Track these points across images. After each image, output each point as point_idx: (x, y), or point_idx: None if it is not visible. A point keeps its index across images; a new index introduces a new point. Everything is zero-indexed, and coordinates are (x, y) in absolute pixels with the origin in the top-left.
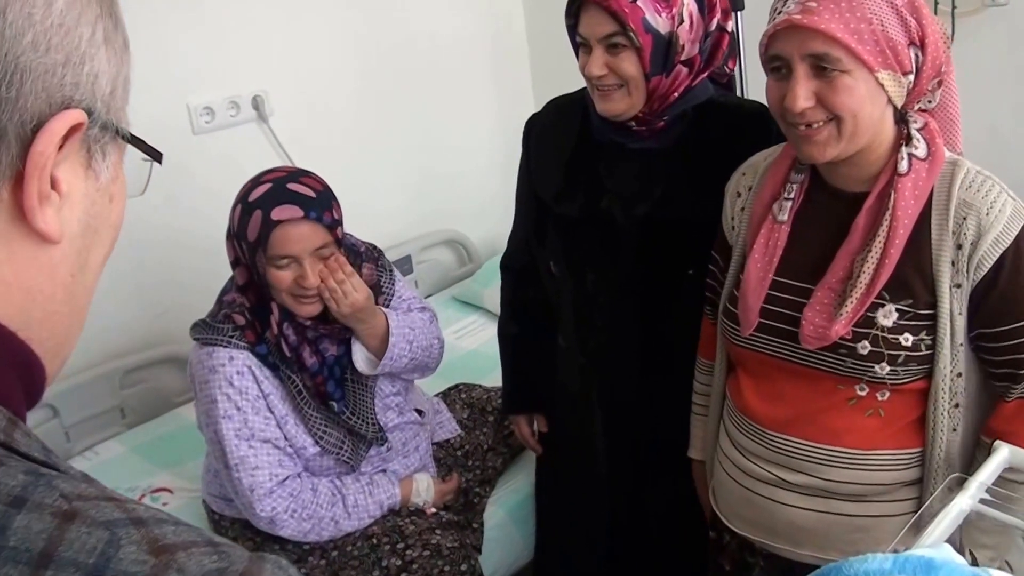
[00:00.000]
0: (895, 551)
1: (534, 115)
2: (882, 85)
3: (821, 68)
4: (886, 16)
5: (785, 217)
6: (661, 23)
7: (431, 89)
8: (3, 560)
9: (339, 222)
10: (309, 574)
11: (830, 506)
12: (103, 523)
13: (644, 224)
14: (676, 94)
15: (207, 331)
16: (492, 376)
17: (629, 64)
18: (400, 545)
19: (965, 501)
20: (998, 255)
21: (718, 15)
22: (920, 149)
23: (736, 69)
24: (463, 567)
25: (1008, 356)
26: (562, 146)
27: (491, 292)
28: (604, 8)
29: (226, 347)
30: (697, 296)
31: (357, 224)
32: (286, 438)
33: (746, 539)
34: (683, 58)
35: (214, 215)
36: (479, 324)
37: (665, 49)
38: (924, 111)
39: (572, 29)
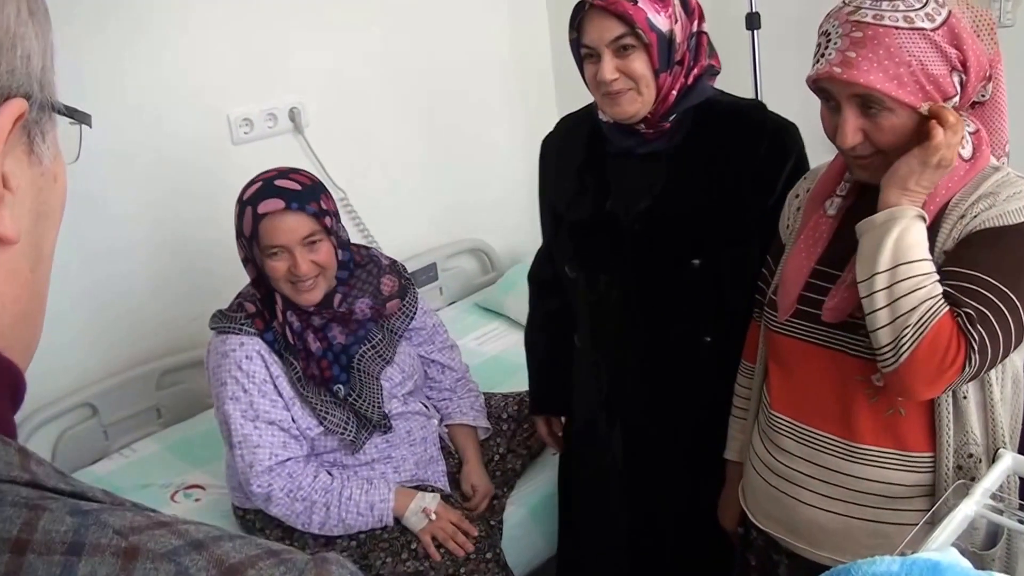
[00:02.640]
0: (903, 554)
1: (547, 135)
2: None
3: (867, 107)
4: (924, 54)
5: (834, 212)
6: (661, 21)
7: (459, 103)
8: None
9: (328, 212)
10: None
11: (850, 509)
12: (165, 555)
13: (644, 219)
14: (674, 92)
15: (223, 320)
16: (513, 381)
17: (640, 63)
18: None
19: (970, 507)
20: (991, 226)
21: (697, 18)
22: (966, 150)
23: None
24: (488, 555)
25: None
26: (573, 159)
27: (513, 299)
28: (611, 12)
29: (238, 334)
30: (703, 291)
31: (384, 232)
32: (293, 419)
33: (770, 536)
34: (677, 57)
35: None
36: (501, 330)
37: (668, 46)
38: (978, 103)
39: (575, 43)
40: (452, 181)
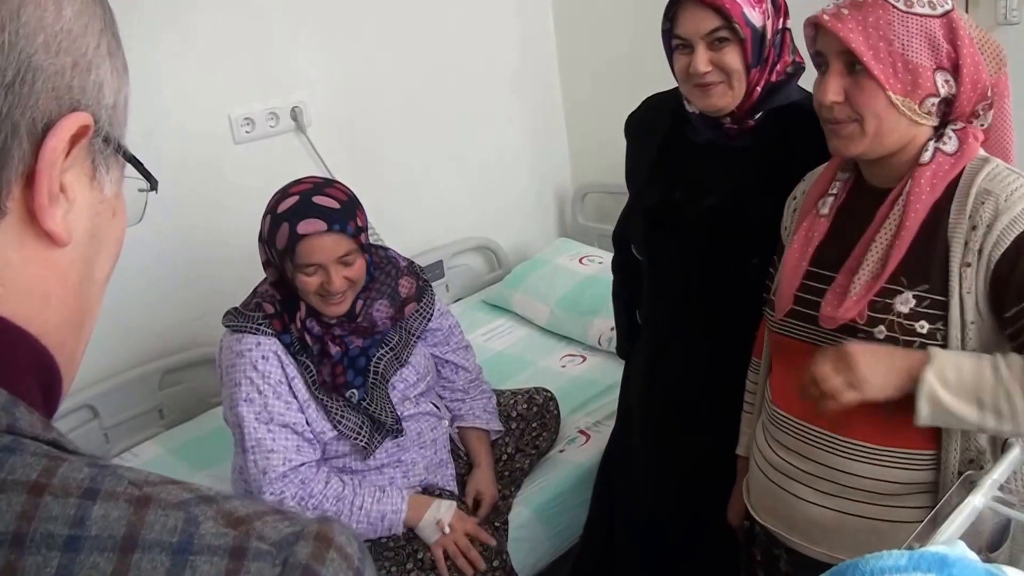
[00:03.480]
0: (910, 548)
1: (631, 113)
2: (895, 105)
3: (853, 66)
4: (911, 39)
5: (826, 211)
6: (756, 17)
7: (464, 102)
8: (88, 550)
9: (363, 229)
10: None
11: (845, 505)
12: (176, 504)
13: (710, 215)
14: (759, 88)
15: (238, 319)
16: (520, 377)
17: (733, 57)
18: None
19: (978, 499)
20: (1014, 236)
21: (783, 15)
22: (949, 145)
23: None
24: (495, 563)
25: None
26: (651, 142)
27: (520, 296)
28: (708, 4)
29: (254, 334)
30: (759, 289)
31: (391, 230)
32: (308, 423)
33: (769, 531)
34: (765, 53)
35: (252, 222)
36: (508, 326)
37: (760, 42)
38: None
39: (667, 33)
40: (457, 179)
